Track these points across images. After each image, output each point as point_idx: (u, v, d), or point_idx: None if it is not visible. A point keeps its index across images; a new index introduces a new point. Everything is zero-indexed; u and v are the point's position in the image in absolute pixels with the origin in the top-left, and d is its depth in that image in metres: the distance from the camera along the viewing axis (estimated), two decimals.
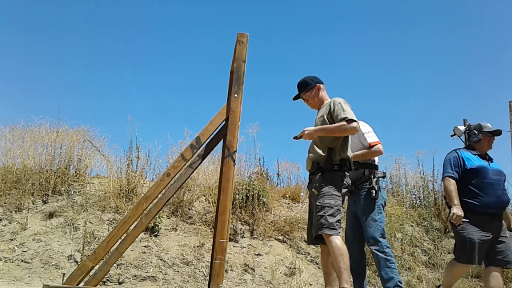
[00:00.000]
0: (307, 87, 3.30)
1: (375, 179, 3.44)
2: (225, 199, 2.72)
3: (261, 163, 7.30)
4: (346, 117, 2.96)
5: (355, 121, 2.96)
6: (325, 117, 3.10)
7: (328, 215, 2.89)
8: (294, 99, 3.41)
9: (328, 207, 2.92)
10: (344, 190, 3.05)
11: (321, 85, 3.30)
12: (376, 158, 3.59)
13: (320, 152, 3.06)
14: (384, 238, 3.38)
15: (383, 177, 3.54)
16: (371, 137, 3.51)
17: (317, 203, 2.97)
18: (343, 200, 3.07)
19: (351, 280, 3.48)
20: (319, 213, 2.92)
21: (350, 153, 3.15)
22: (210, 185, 6.45)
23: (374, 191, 3.39)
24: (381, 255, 3.29)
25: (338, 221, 2.93)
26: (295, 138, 3.21)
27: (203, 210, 6.26)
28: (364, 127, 3.56)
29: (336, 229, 2.89)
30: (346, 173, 3.07)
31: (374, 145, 3.49)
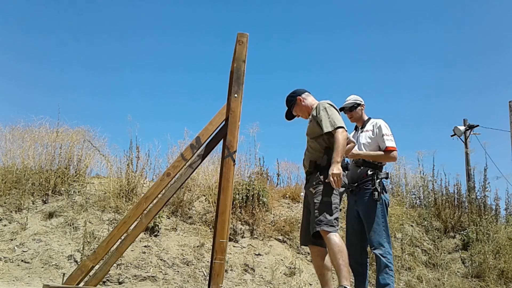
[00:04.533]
0: (290, 105, 3.34)
1: (378, 180, 3.36)
2: (225, 199, 2.72)
3: (261, 163, 7.31)
4: (338, 127, 2.97)
5: (342, 127, 2.98)
6: (312, 122, 3.15)
7: (327, 213, 2.89)
8: (289, 119, 3.43)
9: (326, 204, 2.92)
10: (342, 189, 3.04)
11: (302, 95, 3.30)
12: None
13: (318, 151, 3.08)
14: (389, 242, 3.34)
15: (386, 178, 3.48)
16: (390, 141, 3.44)
17: (315, 201, 2.96)
18: (340, 199, 3.07)
19: (352, 279, 3.48)
20: (317, 210, 2.92)
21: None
22: (210, 185, 6.44)
23: (376, 193, 3.31)
24: (383, 260, 3.26)
25: (336, 218, 2.93)
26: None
27: (203, 210, 6.26)
28: (385, 128, 3.50)
29: (334, 226, 2.89)
30: (344, 171, 3.05)
31: (391, 151, 3.42)
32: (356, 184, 3.45)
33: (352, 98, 3.70)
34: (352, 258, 3.43)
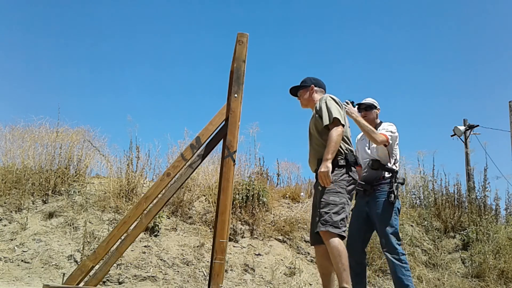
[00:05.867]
0: (303, 85, 3.35)
1: (396, 184, 3.36)
2: (225, 199, 2.71)
3: (261, 163, 7.30)
4: (333, 118, 2.97)
5: (340, 122, 2.97)
6: (315, 117, 3.15)
7: (333, 213, 2.86)
8: (291, 94, 3.44)
9: (333, 204, 2.89)
10: (350, 187, 3.01)
11: (317, 88, 3.30)
12: (397, 165, 3.52)
13: (323, 148, 3.01)
14: (400, 244, 3.33)
15: (402, 184, 3.48)
16: (385, 131, 3.46)
17: (322, 199, 2.93)
18: (350, 198, 3.04)
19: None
20: (323, 210, 2.89)
21: (353, 147, 3.17)
22: (210, 185, 6.44)
23: (393, 196, 3.30)
24: (397, 262, 3.24)
25: (343, 219, 2.89)
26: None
27: (203, 210, 6.26)
28: (388, 125, 3.54)
29: (339, 228, 2.86)
30: (353, 167, 3.05)
31: (382, 136, 3.41)
32: (370, 185, 3.44)
33: (370, 100, 3.71)
34: (352, 258, 3.41)
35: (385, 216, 3.33)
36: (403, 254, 3.29)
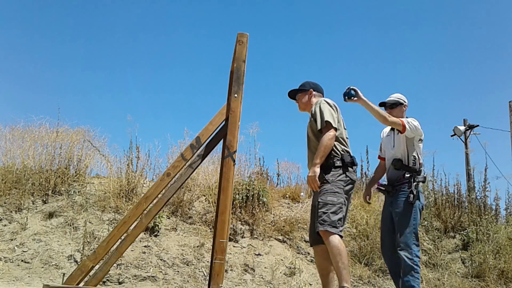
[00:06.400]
0: (301, 89, 3.36)
1: (415, 183, 3.34)
2: (225, 199, 2.71)
3: (261, 163, 7.31)
4: (325, 122, 3.00)
5: (332, 126, 2.99)
6: (311, 120, 3.18)
7: (331, 213, 2.90)
8: (289, 97, 3.45)
9: (330, 204, 2.92)
10: (348, 187, 3.04)
11: (315, 92, 3.32)
12: (420, 163, 3.48)
13: None
14: (418, 245, 3.31)
15: (423, 182, 3.46)
16: (406, 121, 3.38)
17: (319, 200, 2.97)
18: (348, 198, 3.07)
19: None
20: (321, 210, 2.92)
21: (349, 148, 3.18)
22: (210, 185, 6.44)
23: (412, 196, 3.29)
24: (409, 262, 3.22)
25: (340, 219, 2.93)
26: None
27: (203, 210, 6.26)
28: (413, 119, 3.47)
29: (337, 228, 2.89)
30: (350, 168, 3.07)
31: (400, 122, 3.34)
32: (391, 186, 3.44)
33: (395, 96, 3.60)
34: (386, 259, 3.47)
35: (404, 215, 3.32)
36: (417, 257, 3.27)
